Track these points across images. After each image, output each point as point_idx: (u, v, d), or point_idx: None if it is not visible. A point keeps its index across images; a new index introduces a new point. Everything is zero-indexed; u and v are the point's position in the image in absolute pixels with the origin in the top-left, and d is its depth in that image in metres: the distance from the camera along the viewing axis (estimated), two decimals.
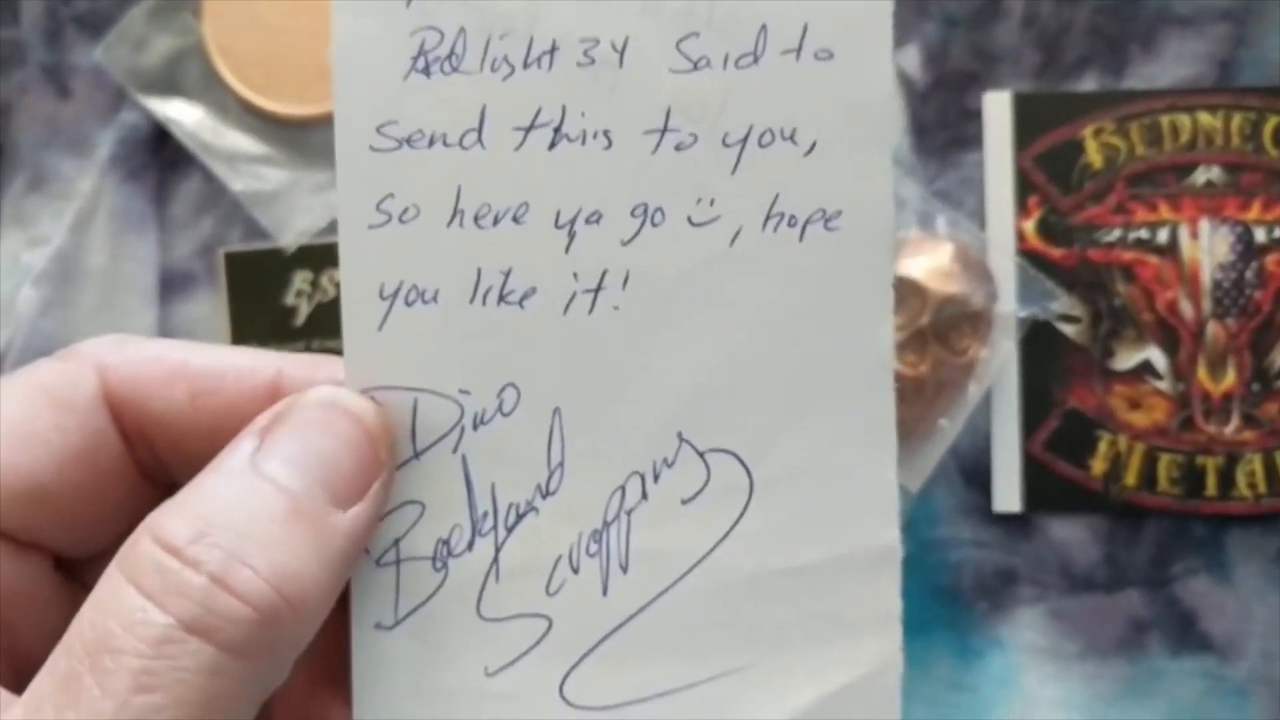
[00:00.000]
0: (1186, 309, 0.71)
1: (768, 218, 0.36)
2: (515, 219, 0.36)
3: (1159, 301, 0.71)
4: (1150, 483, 0.71)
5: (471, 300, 0.36)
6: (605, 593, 0.37)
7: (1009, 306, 0.71)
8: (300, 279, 0.73)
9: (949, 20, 0.73)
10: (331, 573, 0.34)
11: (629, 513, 0.37)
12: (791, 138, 0.36)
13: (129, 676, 0.31)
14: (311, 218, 0.74)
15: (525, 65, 0.36)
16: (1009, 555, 0.72)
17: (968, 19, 0.73)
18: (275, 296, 0.73)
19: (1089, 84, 0.73)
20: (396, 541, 0.37)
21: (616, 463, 0.37)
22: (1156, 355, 0.71)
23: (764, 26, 0.36)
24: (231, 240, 0.75)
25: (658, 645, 0.37)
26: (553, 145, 0.36)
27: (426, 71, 0.36)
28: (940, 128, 0.73)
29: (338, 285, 0.36)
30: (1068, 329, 0.72)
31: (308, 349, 0.70)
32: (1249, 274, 0.71)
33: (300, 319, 0.73)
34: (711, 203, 0.36)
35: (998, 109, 0.73)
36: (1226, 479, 0.71)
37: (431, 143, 0.36)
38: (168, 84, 0.75)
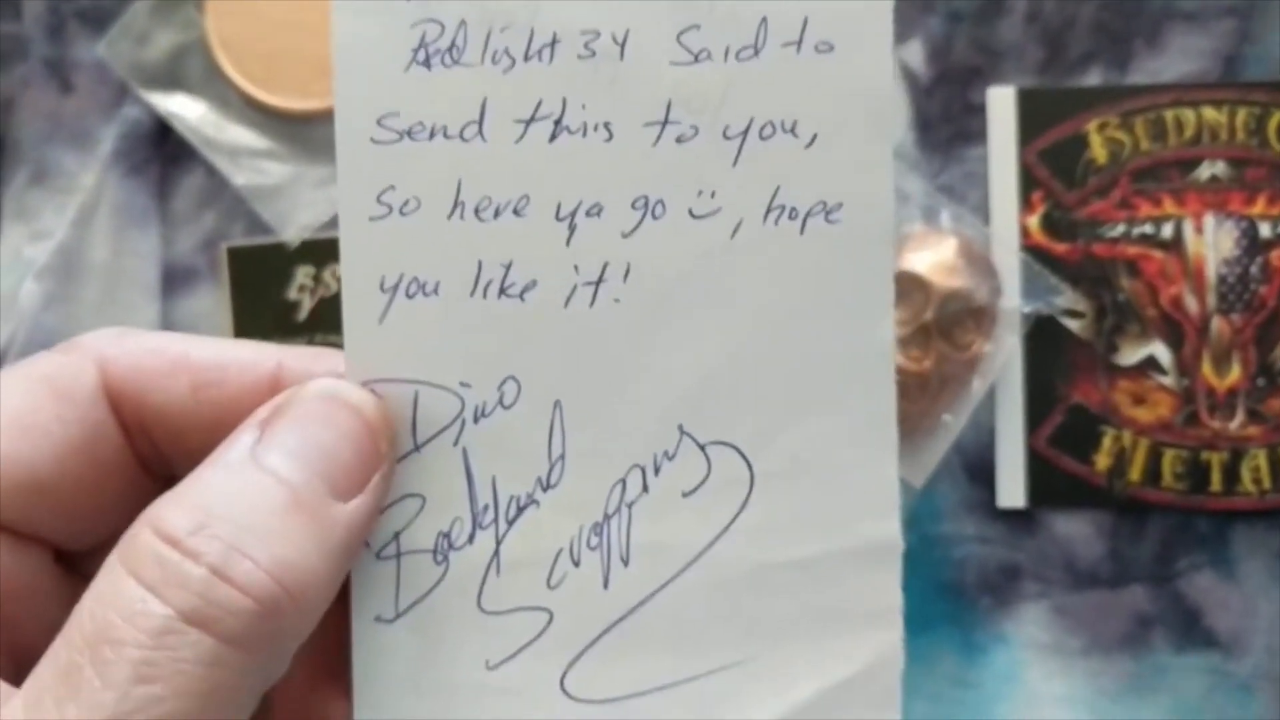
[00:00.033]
0: (1191, 304, 0.71)
1: (769, 210, 0.36)
2: (516, 211, 0.36)
3: (1163, 296, 0.71)
4: (1155, 478, 0.71)
5: (472, 293, 0.36)
6: (606, 586, 0.37)
7: (1013, 302, 0.71)
8: (303, 274, 0.73)
9: (953, 15, 0.73)
10: (332, 564, 0.34)
11: (630, 506, 0.37)
12: (792, 130, 0.36)
13: (129, 667, 0.31)
14: (314, 212, 0.74)
15: (526, 58, 0.36)
16: (1013, 551, 0.72)
17: (972, 14, 0.73)
18: (278, 291, 0.73)
19: (1093, 79, 0.73)
20: (397, 534, 0.37)
21: (617, 455, 0.37)
22: (1161, 350, 0.71)
23: (764, 19, 0.35)
24: (234, 235, 0.75)
25: (658, 638, 0.37)
26: (553, 137, 0.36)
27: (427, 64, 0.36)
28: (944, 122, 0.73)
29: (340, 280, 0.36)
30: (1072, 324, 0.72)
31: (310, 344, 0.70)
32: (1254, 269, 0.71)
33: (303, 314, 0.73)
34: (712, 195, 0.36)
35: (1002, 104, 0.73)
36: (1231, 474, 0.71)
37: (432, 135, 0.36)
38: (170, 79, 0.75)
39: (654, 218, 0.36)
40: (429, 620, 0.37)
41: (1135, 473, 0.71)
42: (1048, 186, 0.72)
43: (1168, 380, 0.71)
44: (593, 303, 0.36)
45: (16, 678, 0.32)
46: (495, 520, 0.37)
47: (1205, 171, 0.72)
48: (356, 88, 0.36)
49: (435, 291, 0.36)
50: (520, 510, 0.37)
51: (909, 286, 0.70)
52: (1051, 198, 0.72)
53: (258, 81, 0.73)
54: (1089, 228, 0.72)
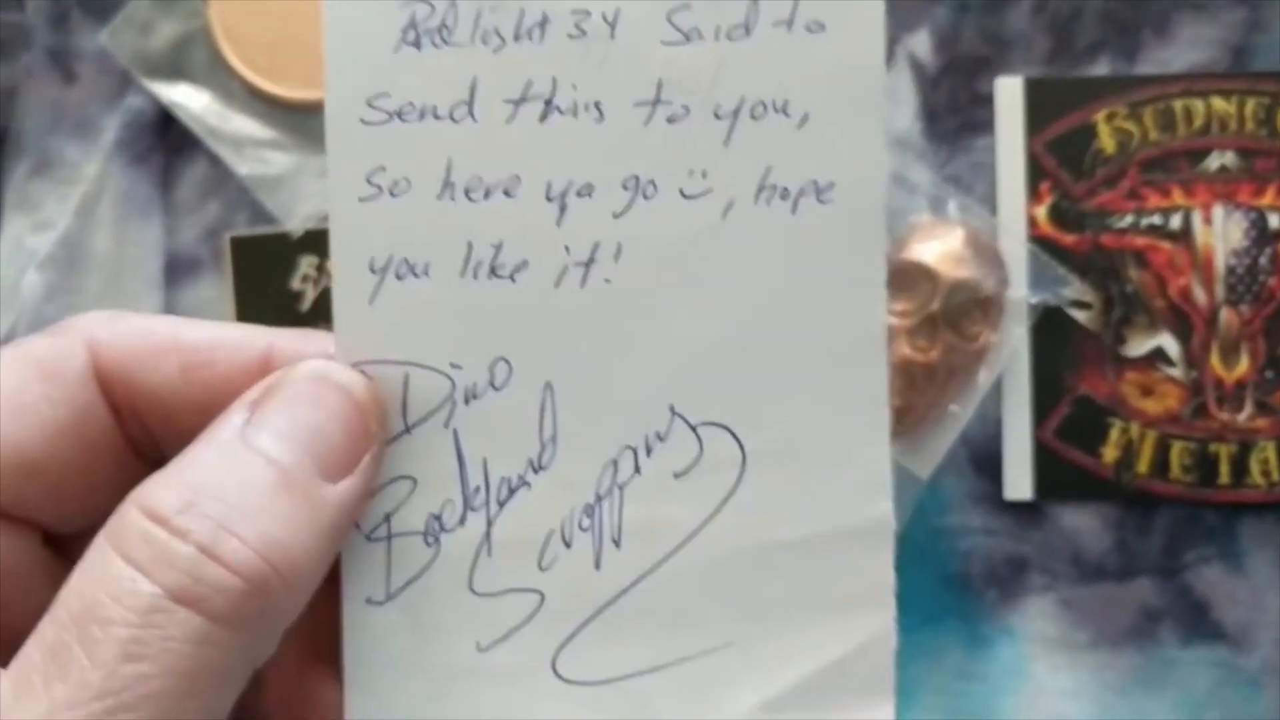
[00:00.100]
0: (1199, 295, 0.71)
1: (760, 190, 0.36)
2: (506, 192, 0.36)
3: (1172, 288, 0.71)
4: (1162, 470, 0.71)
5: (462, 274, 0.36)
6: (598, 567, 0.37)
7: (1020, 292, 0.71)
8: (306, 264, 0.73)
9: (960, 5, 0.73)
10: (321, 544, 0.34)
11: (621, 487, 0.37)
12: (784, 110, 0.36)
13: (117, 646, 0.31)
14: (317, 202, 0.73)
15: (516, 37, 0.36)
16: (1019, 543, 0.72)
17: (979, 3, 0.73)
18: (281, 281, 0.73)
19: (1101, 69, 0.73)
20: (388, 516, 0.37)
21: (609, 437, 0.37)
22: (1169, 342, 0.71)
23: None
24: (237, 225, 0.75)
25: (651, 619, 0.37)
26: (544, 117, 0.36)
27: (417, 44, 0.36)
28: (951, 112, 0.73)
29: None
30: (1079, 315, 0.71)
31: None
32: (1263, 260, 0.71)
33: (306, 304, 0.73)
34: (703, 175, 0.36)
35: (1009, 94, 0.72)
36: (1239, 467, 0.70)
37: (422, 115, 0.36)
38: (173, 68, 0.75)
39: (645, 198, 0.36)
40: (420, 602, 0.37)
41: (1143, 465, 0.71)
42: (1055, 177, 0.72)
43: (1176, 372, 0.71)
44: (584, 283, 0.36)
45: (3, 660, 0.32)
46: (486, 502, 0.37)
47: (1214, 162, 0.71)
48: (346, 68, 0.36)
49: (425, 272, 0.36)
50: (511, 492, 0.37)
51: (916, 277, 0.70)
52: (1059, 188, 0.72)
53: (261, 71, 0.73)
54: (1097, 218, 0.71)
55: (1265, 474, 0.70)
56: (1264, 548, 0.70)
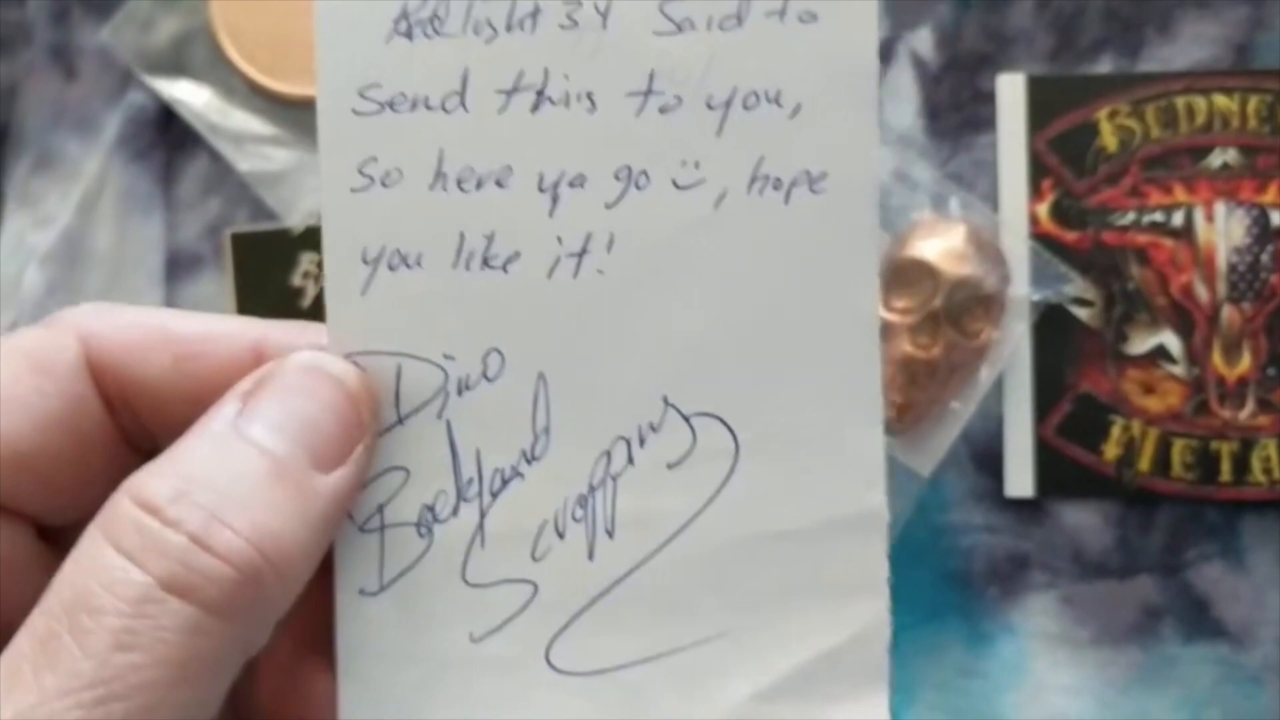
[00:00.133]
0: (1201, 293, 0.71)
1: (753, 180, 0.36)
2: (498, 182, 0.36)
3: (1173, 285, 0.71)
4: (1164, 468, 0.71)
5: (455, 264, 0.36)
6: (591, 558, 0.37)
7: (1022, 290, 0.71)
8: (307, 260, 0.73)
9: (963, 1, 0.73)
10: (313, 535, 0.34)
11: (615, 477, 0.37)
12: (776, 100, 0.36)
13: (109, 635, 0.31)
14: (318, 199, 0.73)
15: (508, 28, 0.36)
16: (1021, 541, 0.72)
17: (981, 1, 0.73)
18: (282, 277, 0.73)
19: (1104, 66, 0.73)
20: (381, 507, 0.37)
21: (602, 427, 0.37)
22: (1171, 339, 0.71)
23: None
24: (238, 221, 0.75)
25: (644, 610, 0.37)
26: (536, 108, 0.36)
27: (409, 34, 0.36)
28: (953, 110, 0.73)
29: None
30: (1081, 313, 0.71)
31: None
32: (1265, 257, 0.70)
33: (307, 300, 0.73)
34: (696, 165, 0.36)
35: (1011, 91, 0.72)
36: (1241, 464, 0.70)
37: (414, 106, 0.36)
38: (175, 65, 0.75)
39: (637, 188, 0.36)
40: (413, 593, 0.37)
41: (1144, 462, 0.71)
42: (1057, 174, 0.72)
43: (1177, 369, 0.71)
44: (576, 274, 0.36)
45: None
46: (479, 493, 0.37)
47: (1216, 159, 0.71)
48: (338, 59, 0.36)
49: (418, 263, 0.36)
50: (504, 482, 0.37)
51: (918, 274, 0.70)
52: (1061, 186, 0.72)
53: (262, 67, 0.74)
54: (1099, 216, 0.71)
55: (1267, 472, 0.70)
56: (1265, 545, 0.70)
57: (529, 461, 0.37)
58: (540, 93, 0.36)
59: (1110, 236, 0.71)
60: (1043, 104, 0.72)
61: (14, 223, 0.76)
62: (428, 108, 0.36)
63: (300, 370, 0.36)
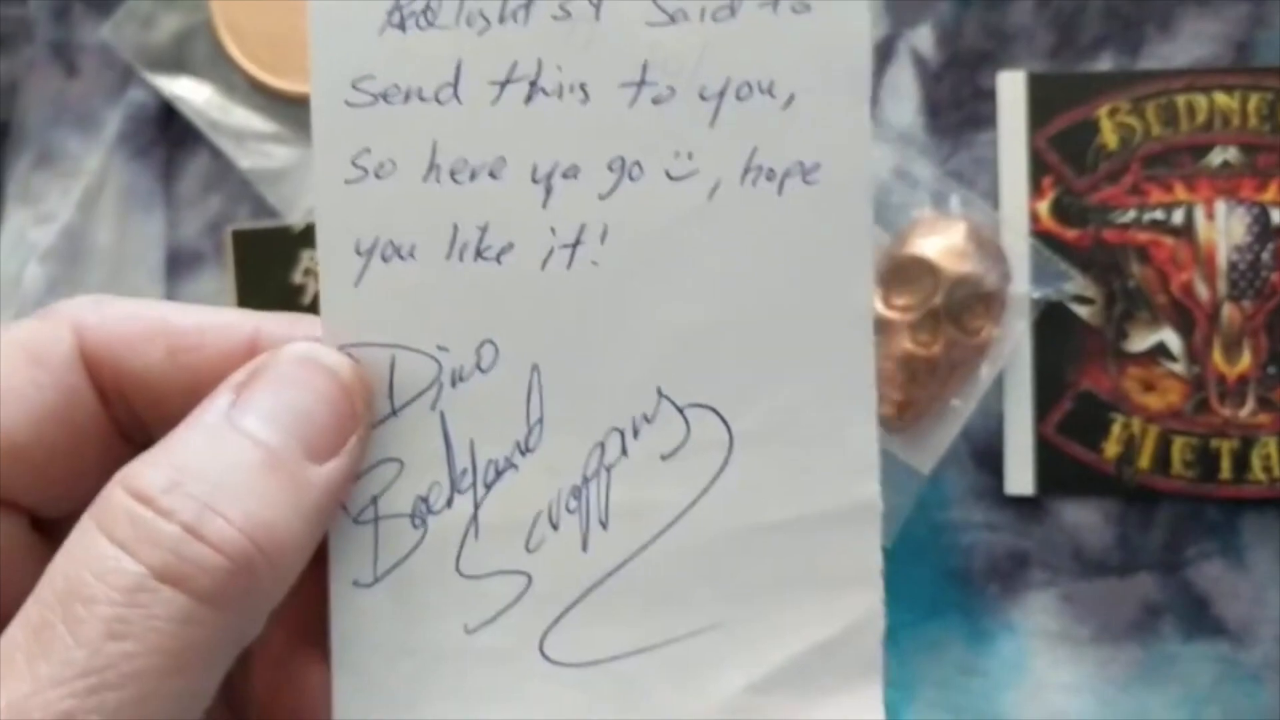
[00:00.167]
0: (1202, 291, 0.71)
1: (746, 171, 0.36)
2: (492, 174, 0.36)
3: (1174, 283, 0.71)
4: (1164, 466, 0.71)
5: (448, 256, 0.36)
6: (585, 549, 0.37)
7: (1022, 287, 0.71)
8: (308, 257, 0.73)
9: None
10: (307, 525, 0.34)
11: (609, 469, 0.37)
12: (769, 91, 0.36)
13: (101, 624, 0.31)
14: None
15: (501, 19, 0.36)
16: (1021, 538, 0.72)
17: None
18: (283, 274, 0.73)
19: (1104, 64, 0.73)
20: (375, 499, 0.37)
21: (596, 419, 0.37)
22: (1171, 337, 0.71)
23: None
24: (239, 218, 0.75)
25: (638, 601, 0.37)
26: (529, 99, 0.36)
27: (402, 26, 0.36)
28: (954, 107, 0.73)
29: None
30: (1081, 310, 0.71)
31: None
32: (1265, 255, 0.70)
33: (307, 297, 0.73)
34: (689, 156, 0.36)
35: (1012, 89, 0.72)
36: (1241, 462, 0.70)
37: (407, 97, 0.36)
38: (176, 62, 0.75)
39: (631, 179, 0.36)
40: (407, 584, 0.37)
41: (1144, 460, 0.71)
42: (1058, 172, 0.72)
43: (1178, 367, 0.71)
44: (570, 265, 0.36)
45: None
46: (473, 484, 0.37)
47: (1217, 157, 0.71)
48: (331, 51, 0.36)
49: (411, 255, 0.36)
50: (499, 474, 0.37)
51: (918, 271, 0.70)
52: (1062, 183, 0.72)
53: (263, 65, 0.74)
54: (1099, 214, 0.71)
55: (1267, 470, 0.70)
56: (1265, 543, 0.70)
57: (523, 453, 0.37)
58: (533, 84, 0.36)
59: (1111, 234, 0.71)
60: (1043, 101, 0.72)
61: (15, 219, 0.76)
62: (421, 99, 0.36)
63: (294, 362, 0.36)
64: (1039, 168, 0.72)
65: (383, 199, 0.36)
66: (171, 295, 0.75)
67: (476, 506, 0.37)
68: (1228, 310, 0.70)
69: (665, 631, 0.37)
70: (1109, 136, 0.72)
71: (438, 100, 0.36)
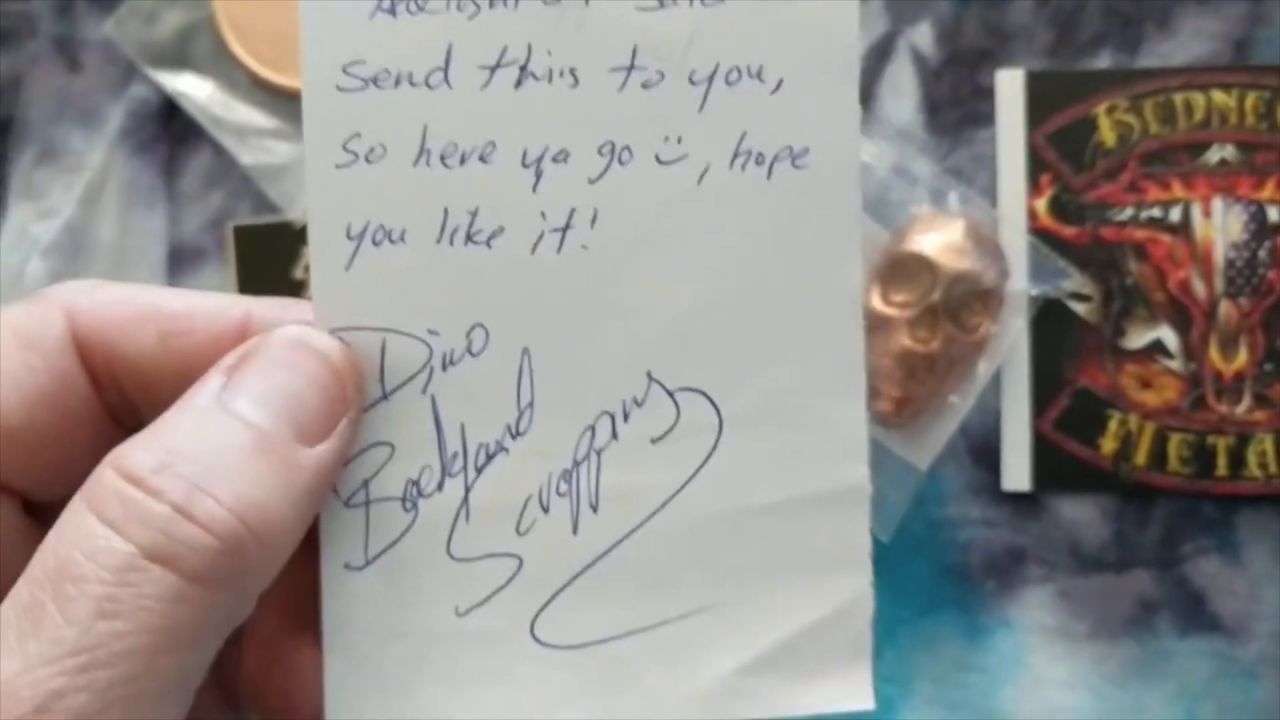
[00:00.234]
0: (1199, 288, 0.71)
1: (735, 156, 0.36)
2: (482, 158, 0.36)
3: (1171, 280, 0.71)
4: (1161, 462, 0.71)
5: (439, 240, 0.36)
6: (575, 532, 0.37)
7: (1020, 284, 0.71)
8: (309, 253, 0.73)
9: None
10: (297, 507, 0.34)
11: (599, 452, 0.37)
12: (758, 75, 0.36)
13: (92, 603, 0.31)
14: None
15: (491, 4, 0.36)
16: (1018, 534, 0.72)
17: None
18: (284, 270, 0.74)
19: (1103, 62, 0.73)
20: (366, 482, 0.37)
21: (586, 402, 0.37)
22: (1168, 334, 0.71)
23: None
24: (241, 214, 0.76)
25: (628, 584, 0.37)
26: (519, 84, 0.36)
27: (392, 11, 0.36)
28: (953, 105, 0.73)
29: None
30: (1079, 307, 0.71)
31: None
32: (1262, 253, 0.70)
33: (309, 293, 0.73)
34: (679, 141, 0.36)
35: (1010, 86, 0.73)
36: (1237, 459, 0.70)
37: (398, 82, 0.36)
38: (178, 58, 0.75)
39: (620, 164, 0.36)
40: (398, 567, 0.37)
41: (1141, 457, 0.71)
42: (1056, 169, 0.72)
43: (1175, 364, 0.71)
44: (560, 249, 0.36)
45: None
46: (464, 468, 0.37)
47: (1214, 155, 0.71)
48: (322, 35, 0.36)
49: (402, 239, 0.36)
50: (489, 457, 0.37)
51: (916, 268, 0.70)
52: (1060, 181, 0.72)
53: (265, 61, 0.74)
54: (1097, 211, 0.71)
55: (1263, 466, 0.70)
56: (1261, 540, 0.70)
57: (513, 436, 0.37)
58: (523, 68, 0.36)
59: (1108, 232, 0.71)
60: (1042, 99, 0.72)
61: (17, 214, 0.76)
62: (411, 84, 0.36)
63: (285, 345, 0.36)
64: (1037, 165, 0.72)
65: (373, 183, 0.36)
66: None
67: (467, 490, 0.37)
68: (1225, 307, 0.71)
69: (655, 614, 0.37)
70: (1107, 134, 0.72)
71: (428, 85, 0.36)
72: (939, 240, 0.70)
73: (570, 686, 0.37)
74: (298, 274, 0.73)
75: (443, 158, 0.36)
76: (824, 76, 0.36)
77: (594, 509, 0.37)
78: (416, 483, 0.37)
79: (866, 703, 0.37)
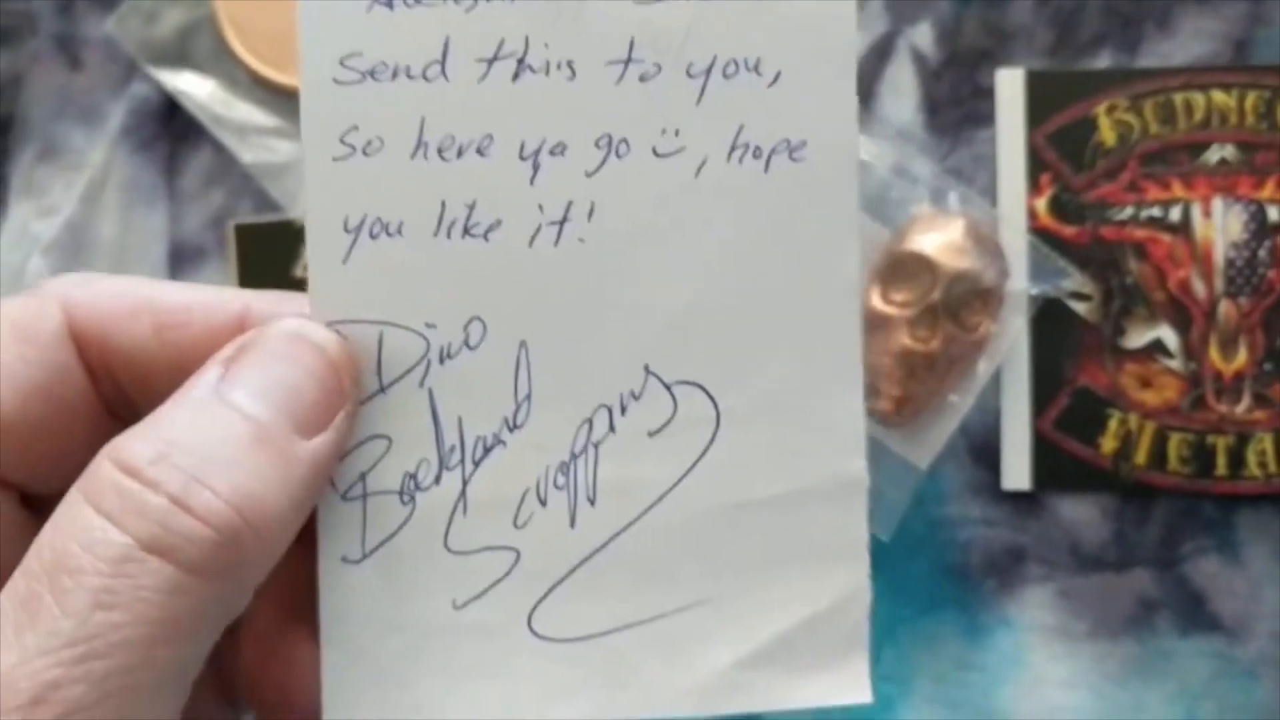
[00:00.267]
0: (1199, 288, 0.71)
1: (733, 148, 0.36)
2: (479, 151, 0.36)
3: (1171, 280, 0.71)
4: (1160, 462, 0.71)
5: (436, 233, 0.36)
6: (573, 525, 0.37)
7: (1020, 284, 0.71)
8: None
9: None
10: (294, 499, 0.34)
11: (596, 445, 0.37)
12: (755, 68, 0.36)
13: (88, 595, 0.31)
14: None
15: None
16: (1018, 534, 0.72)
17: None
18: (285, 269, 0.73)
19: (1103, 62, 0.73)
20: (363, 475, 0.37)
21: (584, 396, 0.37)
22: (1168, 334, 0.71)
23: None
24: (242, 212, 0.76)
25: (626, 577, 0.37)
26: (516, 76, 0.36)
27: (390, 3, 0.36)
28: (953, 105, 0.73)
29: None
30: (1079, 307, 0.71)
31: None
32: (1262, 253, 0.70)
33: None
34: (676, 133, 0.36)
35: (1011, 86, 0.73)
36: (1237, 458, 0.70)
37: (395, 75, 0.36)
38: (179, 56, 0.75)
39: (618, 156, 0.36)
40: (396, 560, 0.37)
41: (1141, 456, 0.71)
42: (1056, 169, 0.72)
43: (1174, 364, 0.71)
44: (557, 242, 0.36)
45: None
46: (462, 461, 0.37)
47: (1214, 155, 0.71)
48: (319, 28, 0.36)
49: (399, 232, 0.36)
50: (487, 451, 0.37)
51: (916, 267, 0.70)
52: (1060, 180, 0.72)
53: (266, 59, 0.74)
54: (1097, 210, 0.71)
55: (1262, 466, 0.70)
56: (1261, 539, 0.70)
57: (511, 429, 0.37)
58: (521, 61, 0.36)
59: (1108, 231, 0.71)
60: (1042, 99, 0.72)
61: (18, 212, 0.76)
62: (409, 76, 0.36)
63: (282, 337, 0.36)
64: (1037, 165, 0.72)
65: (371, 176, 0.36)
66: None
67: (465, 483, 0.37)
68: (1224, 307, 0.71)
69: (653, 607, 0.37)
70: (1107, 134, 0.72)
71: (425, 77, 0.36)
72: (939, 239, 0.70)
73: (567, 679, 0.37)
74: (298, 272, 0.73)
75: (440, 150, 0.36)
76: (821, 69, 0.36)
77: (591, 502, 0.37)
78: (414, 476, 0.37)
79: (864, 696, 0.37)
